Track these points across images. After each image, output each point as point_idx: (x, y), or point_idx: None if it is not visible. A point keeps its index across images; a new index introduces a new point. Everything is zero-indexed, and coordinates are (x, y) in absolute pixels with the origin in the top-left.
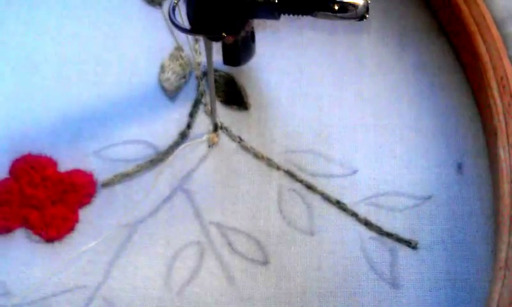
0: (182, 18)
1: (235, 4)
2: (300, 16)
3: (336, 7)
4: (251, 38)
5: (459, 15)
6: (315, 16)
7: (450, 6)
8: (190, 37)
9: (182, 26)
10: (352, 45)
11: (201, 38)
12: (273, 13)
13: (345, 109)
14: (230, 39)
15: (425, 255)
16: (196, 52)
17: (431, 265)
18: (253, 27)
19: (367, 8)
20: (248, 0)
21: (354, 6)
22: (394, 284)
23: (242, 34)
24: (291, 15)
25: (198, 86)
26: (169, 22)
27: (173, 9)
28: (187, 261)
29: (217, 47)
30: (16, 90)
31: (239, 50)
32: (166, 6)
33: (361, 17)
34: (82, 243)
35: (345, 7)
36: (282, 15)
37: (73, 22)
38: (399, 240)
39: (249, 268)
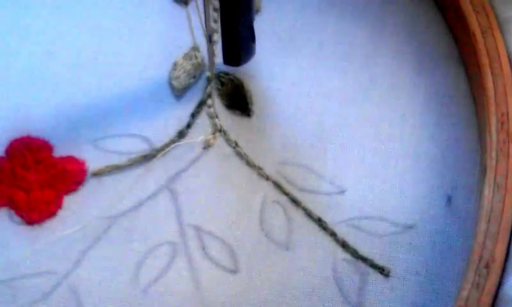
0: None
1: None
2: None
3: None
4: (251, 38)
5: (474, 45)
6: None
7: (469, 36)
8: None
9: None
10: (368, 63)
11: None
12: None
13: (347, 127)
14: None
15: (396, 284)
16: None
17: (400, 294)
18: (253, 27)
19: None
20: None
21: None
22: None
23: None
24: None
25: (206, 87)
26: (190, 21)
27: None
28: (158, 260)
29: None
30: (30, 74)
31: (239, 50)
32: (191, 6)
33: None
34: (60, 229)
35: None
36: None
37: (98, 11)
38: (372, 265)
39: (218, 275)
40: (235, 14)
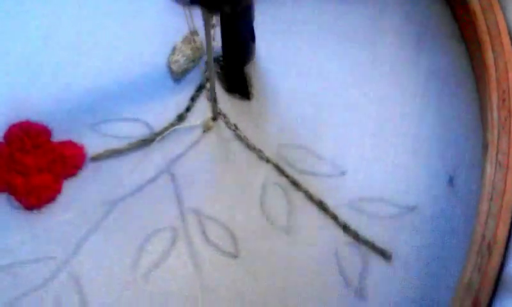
0: None
1: None
2: None
3: None
4: (251, 38)
5: (475, 22)
6: None
7: (469, 14)
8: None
9: None
10: (368, 44)
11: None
12: None
13: (347, 109)
14: (228, 9)
15: (398, 267)
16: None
17: (401, 278)
18: (253, 27)
19: None
20: None
21: None
22: (360, 293)
23: (243, 4)
24: None
25: (205, 71)
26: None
27: None
28: (159, 245)
29: None
30: (28, 59)
31: (239, 51)
32: None
33: None
34: (60, 214)
35: None
36: None
37: None
38: (374, 248)
39: (219, 260)
40: (234, 14)
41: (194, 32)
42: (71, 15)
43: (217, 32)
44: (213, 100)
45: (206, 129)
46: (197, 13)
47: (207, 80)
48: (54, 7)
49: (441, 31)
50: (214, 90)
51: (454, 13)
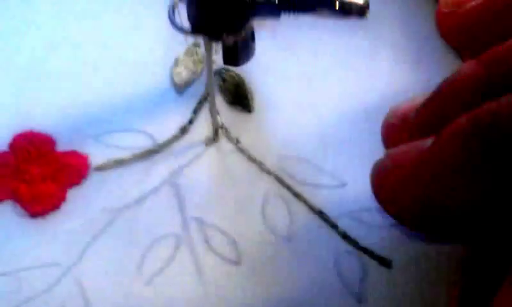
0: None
1: (235, 3)
2: (301, 14)
3: (337, 6)
4: (250, 37)
5: None
6: (316, 14)
7: None
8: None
9: (182, 27)
10: (368, 58)
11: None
12: (274, 12)
13: (347, 121)
14: (231, 40)
15: (398, 274)
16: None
17: (401, 285)
18: (253, 27)
19: (367, 6)
20: None
21: (355, 4)
22: (361, 299)
23: (243, 34)
24: (292, 14)
25: (207, 84)
26: None
27: (173, 10)
28: (162, 252)
29: None
30: (32, 69)
31: (238, 51)
32: None
33: (362, 14)
34: (64, 222)
35: (346, 6)
36: (283, 14)
37: (99, 6)
38: (374, 256)
39: (221, 267)
40: (236, 46)
41: (196, 44)
42: (75, 26)
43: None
44: (214, 128)
45: (208, 142)
46: None
47: (208, 94)
48: (58, 19)
49: (440, 46)
50: (216, 119)
51: None
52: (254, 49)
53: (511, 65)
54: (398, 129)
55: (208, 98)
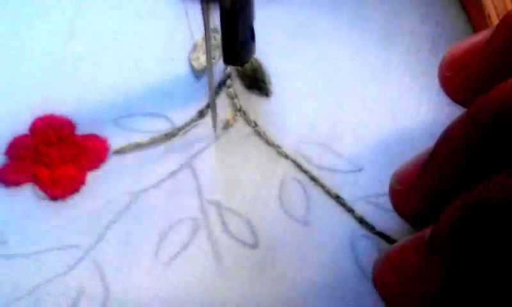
0: None
1: None
2: None
3: None
4: (250, 37)
5: (489, 26)
6: None
7: (484, 18)
8: None
9: None
10: (384, 46)
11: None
12: None
13: (365, 106)
14: (228, 2)
15: None
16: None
17: None
18: (252, 26)
19: None
20: None
21: None
22: None
23: None
24: None
25: (226, 68)
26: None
27: None
28: (180, 235)
29: None
30: (51, 54)
31: (239, 50)
32: None
33: None
34: (83, 205)
35: None
36: None
37: None
38: (390, 241)
39: (238, 250)
40: (234, 13)
41: (214, 30)
42: (94, 12)
43: None
44: (212, 103)
45: (226, 125)
46: (217, 11)
47: (228, 77)
48: (77, 4)
49: (456, 34)
50: (213, 95)
51: (469, 17)
52: (254, 49)
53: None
54: (404, 195)
55: (207, 67)
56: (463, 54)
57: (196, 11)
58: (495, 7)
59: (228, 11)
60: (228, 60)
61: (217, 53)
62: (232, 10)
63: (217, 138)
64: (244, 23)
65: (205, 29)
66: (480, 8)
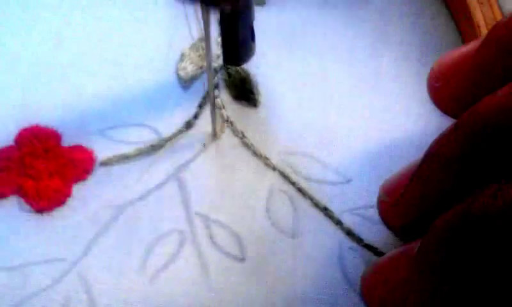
0: None
1: None
2: None
3: None
4: (250, 37)
5: (478, 35)
6: None
7: (473, 27)
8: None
9: None
10: (373, 55)
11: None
12: None
13: (353, 118)
14: (228, 7)
15: None
16: (218, 44)
17: None
18: (252, 26)
19: None
20: None
21: None
22: None
23: (240, 2)
24: None
25: (213, 78)
26: (197, 12)
27: None
28: (166, 248)
29: None
30: (38, 64)
31: (239, 50)
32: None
33: None
34: (69, 217)
35: None
36: None
37: (105, 0)
38: (378, 253)
39: (225, 263)
40: (234, 14)
41: (202, 39)
42: (81, 21)
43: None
44: (213, 115)
45: (214, 136)
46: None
47: (215, 87)
48: (64, 14)
49: (445, 44)
50: (214, 100)
51: (458, 26)
52: (254, 49)
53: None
54: (392, 207)
55: (207, 72)
56: (451, 65)
57: (183, 20)
58: (484, 17)
59: (229, 12)
60: (228, 60)
61: (205, 63)
62: (232, 10)
63: (204, 149)
64: (245, 24)
65: (205, 32)
66: (470, 18)
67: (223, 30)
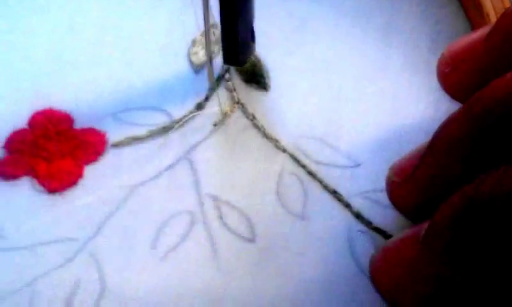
0: None
1: None
2: None
3: None
4: (251, 37)
5: (488, 24)
6: None
7: (483, 17)
8: None
9: None
10: (383, 43)
11: None
12: None
13: (363, 103)
14: None
15: None
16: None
17: None
18: (253, 27)
19: None
20: None
21: None
22: None
23: None
24: None
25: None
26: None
27: None
28: (177, 228)
29: None
30: (51, 49)
31: (239, 51)
32: None
33: None
34: (81, 198)
35: None
36: None
37: None
38: (387, 236)
39: (235, 244)
40: (234, 14)
41: (213, 25)
42: (93, 7)
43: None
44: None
45: (224, 117)
46: (215, 4)
47: (226, 70)
48: (78, 1)
49: (455, 32)
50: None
51: (467, 15)
52: (254, 49)
53: (491, 105)
54: (401, 187)
55: (206, 50)
56: (461, 51)
57: (195, 7)
58: (494, 6)
59: (229, 11)
60: (228, 60)
61: (216, 47)
62: (232, 10)
63: (215, 130)
64: (244, 24)
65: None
66: (479, 7)
67: (223, 30)
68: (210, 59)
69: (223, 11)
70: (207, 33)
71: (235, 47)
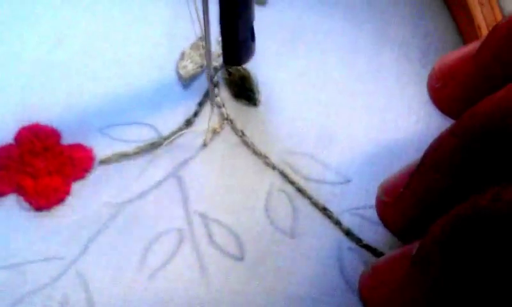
0: None
1: None
2: None
3: None
4: (250, 37)
5: (479, 37)
6: None
7: (474, 29)
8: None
9: None
10: (374, 56)
11: None
12: None
13: (352, 118)
14: None
15: None
16: (218, 43)
17: None
18: (253, 27)
19: None
20: None
21: None
22: None
23: None
24: None
25: (214, 76)
26: (198, 10)
27: None
28: (165, 247)
29: None
30: (39, 61)
31: (239, 51)
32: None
33: None
34: (68, 216)
35: None
36: None
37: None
38: (376, 253)
39: (224, 262)
40: (234, 14)
41: (203, 38)
42: (82, 20)
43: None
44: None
45: (213, 134)
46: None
47: (215, 85)
48: (65, 13)
49: (446, 45)
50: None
51: (458, 27)
52: (254, 49)
53: (479, 127)
54: (390, 206)
55: (216, 74)
56: (452, 65)
57: (183, 19)
58: (485, 19)
59: (229, 11)
60: (228, 60)
61: (204, 62)
62: (232, 10)
63: (203, 147)
64: (244, 24)
65: (203, 26)
66: (470, 19)
67: (223, 30)
68: (211, 81)
69: (223, 11)
70: (207, 43)
71: (235, 47)
